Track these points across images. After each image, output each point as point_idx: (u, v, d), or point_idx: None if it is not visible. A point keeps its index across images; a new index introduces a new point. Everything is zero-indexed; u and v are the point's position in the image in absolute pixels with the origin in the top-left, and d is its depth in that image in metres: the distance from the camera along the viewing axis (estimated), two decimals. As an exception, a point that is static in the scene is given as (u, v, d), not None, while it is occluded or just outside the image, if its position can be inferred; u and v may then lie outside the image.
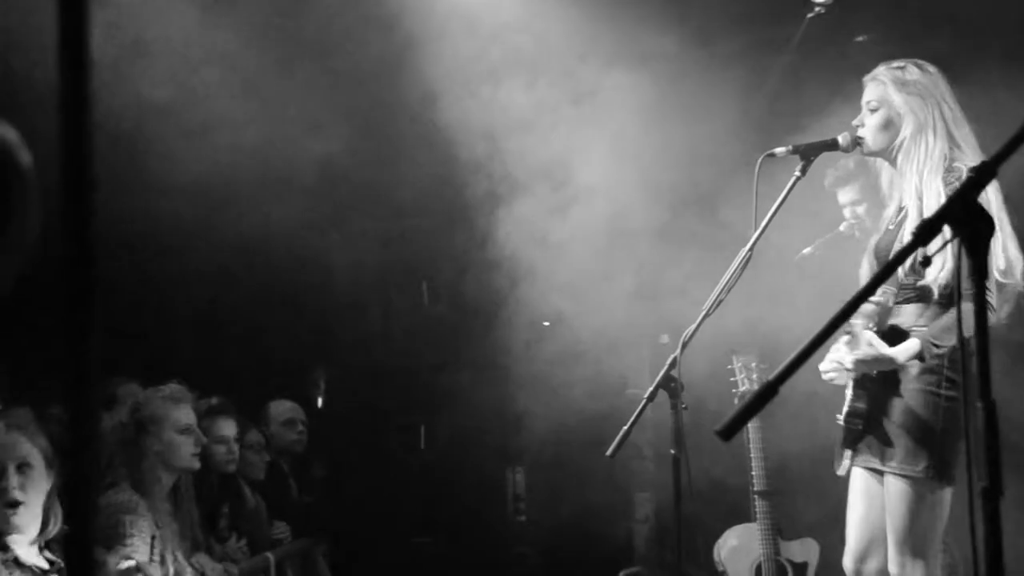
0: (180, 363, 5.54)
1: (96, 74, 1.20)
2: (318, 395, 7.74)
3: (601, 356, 6.08)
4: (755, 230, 3.84)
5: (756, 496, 5.27)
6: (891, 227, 3.96)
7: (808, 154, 3.93)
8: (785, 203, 3.88)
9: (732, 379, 5.31)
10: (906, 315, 3.85)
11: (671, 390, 3.76)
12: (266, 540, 5.59)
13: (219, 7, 5.37)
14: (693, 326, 3.79)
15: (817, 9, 6.30)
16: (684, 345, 3.78)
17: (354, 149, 6.07)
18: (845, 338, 3.86)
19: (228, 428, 5.35)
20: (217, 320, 6.66)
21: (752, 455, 5.25)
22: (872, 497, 3.97)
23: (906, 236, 3.89)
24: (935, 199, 3.73)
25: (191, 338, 6.56)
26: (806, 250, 5.34)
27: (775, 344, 4.75)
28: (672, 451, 3.76)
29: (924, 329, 3.77)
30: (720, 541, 5.48)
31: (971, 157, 3.76)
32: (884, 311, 3.91)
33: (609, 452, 3.82)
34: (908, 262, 3.62)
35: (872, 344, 3.79)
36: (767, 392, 1.92)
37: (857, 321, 3.81)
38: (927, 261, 2.06)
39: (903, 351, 3.77)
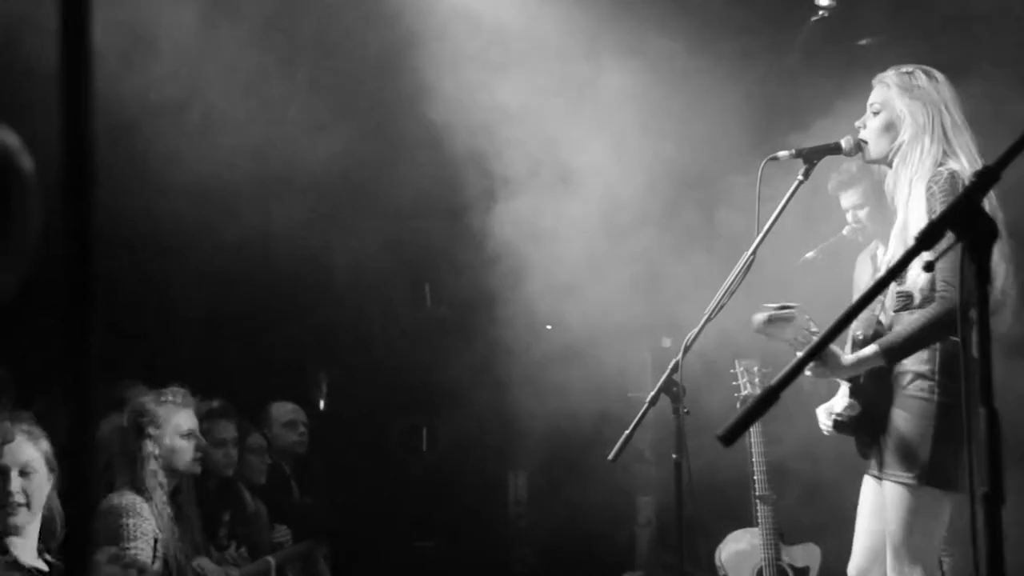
0: (181, 364, 5.54)
1: (97, 73, 1.20)
2: (320, 397, 7.73)
3: (603, 359, 6.08)
4: (758, 234, 3.83)
5: (758, 500, 5.26)
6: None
7: (811, 158, 3.93)
8: (787, 207, 3.87)
9: (734, 383, 5.30)
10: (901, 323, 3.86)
11: (673, 394, 3.76)
12: (267, 544, 5.58)
13: (221, 7, 5.37)
14: (695, 330, 3.79)
15: (821, 12, 6.30)
16: (686, 349, 3.77)
17: (355, 149, 6.06)
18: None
19: (228, 431, 5.35)
20: (218, 321, 6.66)
21: (754, 460, 5.24)
22: (876, 505, 3.97)
23: (893, 241, 3.90)
24: (918, 203, 3.73)
25: (192, 339, 6.56)
26: (809, 254, 5.32)
27: (777, 348, 4.74)
28: (673, 455, 3.76)
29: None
30: (722, 545, 5.47)
31: (965, 163, 3.76)
32: (869, 318, 3.92)
33: (611, 456, 3.82)
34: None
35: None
36: (768, 397, 1.92)
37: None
38: (930, 266, 2.05)
39: (854, 358, 3.79)
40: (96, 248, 1.14)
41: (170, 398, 4.58)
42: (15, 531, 3.65)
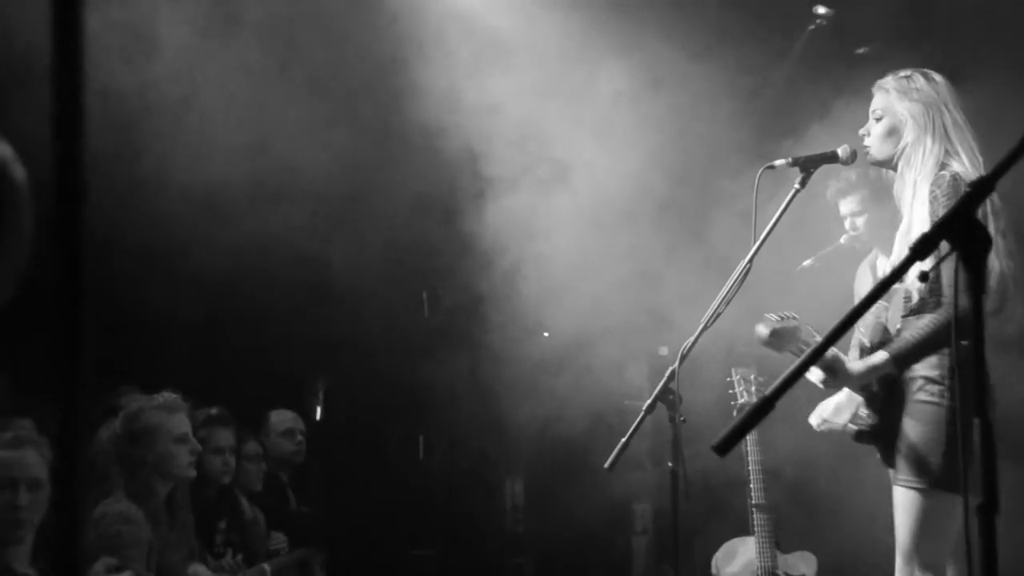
0: (178, 371, 5.53)
1: (92, 74, 1.19)
2: (317, 405, 7.72)
3: (600, 367, 6.08)
4: (754, 242, 3.84)
5: (754, 509, 5.26)
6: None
7: (808, 166, 3.94)
8: (783, 215, 3.88)
9: (731, 392, 5.30)
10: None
11: (669, 402, 3.76)
12: (263, 552, 5.58)
13: (219, 12, 5.37)
14: (692, 338, 3.79)
15: (819, 20, 6.32)
16: (683, 357, 3.78)
17: (353, 154, 6.06)
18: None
19: (226, 438, 5.34)
20: (215, 329, 6.65)
21: (750, 468, 5.24)
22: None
23: (897, 244, 3.91)
24: (922, 205, 3.74)
25: (189, 346, 6.55)
26: (806, 262, 5.34)
27: (775, 357, 4.74)
28: (670, 464, 3.76)
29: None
30: (718, 554, 5.46)
31: (968, 164, 3.77)
32: (876, 325, 3.92)
33: (607, 464, 3.82)
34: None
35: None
36: (763, 407, 1.92)
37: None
38: (925, 276, 2.05)
39: (863, 365, 3.79)
40: (88, 253, 1.14)
41: (162, 403, 4.58)
42: (16, 542, 3.66)
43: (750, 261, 3.82)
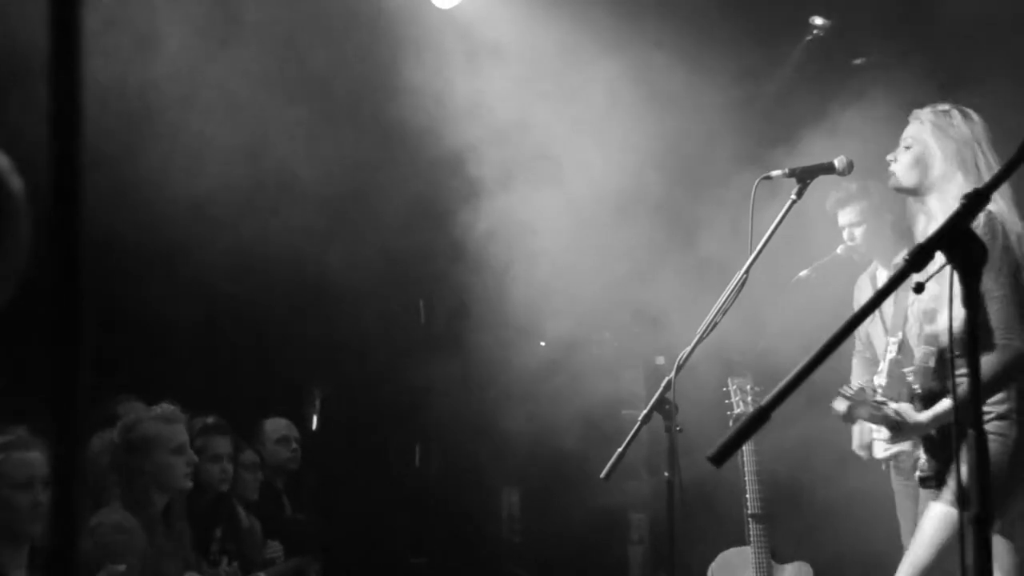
0: (175, 380, 5.53)
1: (89, 78, 1.20)
2: (313, 413, 7.72)
3: (597, 376, 6.08)
4: (751, 253, 3.84)
5: (750, 519, 5.26)
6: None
7: (804, 177, 3.94)
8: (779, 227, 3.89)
9: (727, 401, 5.30)
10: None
11: (665, 412, 3.76)
12: (259, 560, 5.57)
13: (215, 20, 5.38)
14: (688, 348, 3.79)
15: (816, 31, 6.33)
16: (679, 367, 3.78)
17: (351, 160, 6.07)
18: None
19: (223, 446, 5.34)
20: (211, 337, 6.65)
21: (747, 478, 5.24)
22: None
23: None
24: None
25: (186, 355, 6.55)
26: (803, 272, 5.35)
27: (771, 367, 4.75)
28: (666, 473, 3.76)
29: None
30: (714, 564, 5.46)
31: (1002, 204, 3.79)
32: (925, 371, 3.95)
33: (603, 474, 3.82)
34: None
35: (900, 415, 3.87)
36: (759, 417, 1.92)
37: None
38: (920, 287, 2.06)
39: (931, 415, 3.84)
40: (84, 255, 1.14)
41: (160, 414, 4.58)
42: (32, 541, 3.69)
43: (746, 272, 3.82)
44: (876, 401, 3.96)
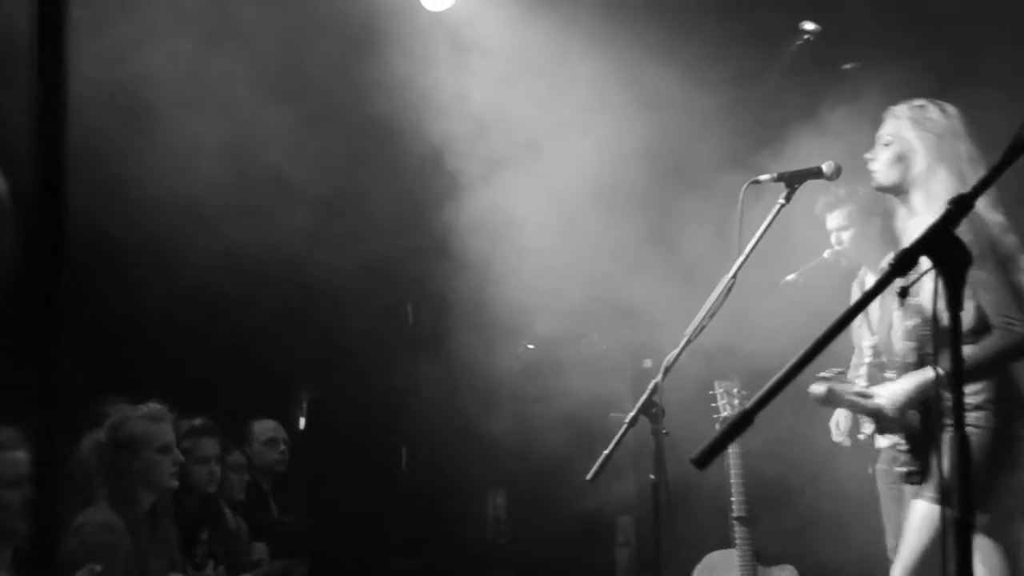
0: (162, 382, 5.52)
1: (72, 85, 1.20)
2: (300, 415, 7.71)
3: (584, 379, 6.08)
4: (739, 256, 3.85)
5: (736, 522, 5.26)
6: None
7: (792, 182, 3.94)
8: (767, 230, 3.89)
9: (713, 404, 5.31)
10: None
11: (652, 415, 3.76)
12: (246, 562, 5.56)
13: (201, 24, 5.37)
14: (675, 351, 3.80)
15: (806, 36, 6.35)
16: (666, 370, 3.77)
17: (342, 171, 6.07)
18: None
19: (211, 448, 5.33)
20: (200, 338, 6.64)
21: (732, 480, 5.24)
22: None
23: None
24: None
25: (174, 356, 6.54)
26: (790, 276, 5.36)
27: (757, 370, 4.76)
28: (652, 476, 3.76)
29: None
30: (699, 567, 5.46)
31: (984, 199, 3.78)
32: (905, 366, 3.96)
33: (589, 476, 3.82)
34: None
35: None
36: (743, 421, 1.93)
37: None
38: (904, 292, 2.07)
39: (913, 383, 3.82)
40: (69, 257, 1.14)
41: (146, 413, 4.57)
42: (19, 540, 3.68)
43: (734, 276, 3.82)
44: (857, 392, 3.94)
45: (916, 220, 3.88)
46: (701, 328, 3.81)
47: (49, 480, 1.10)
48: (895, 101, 4.12)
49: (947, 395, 3.71)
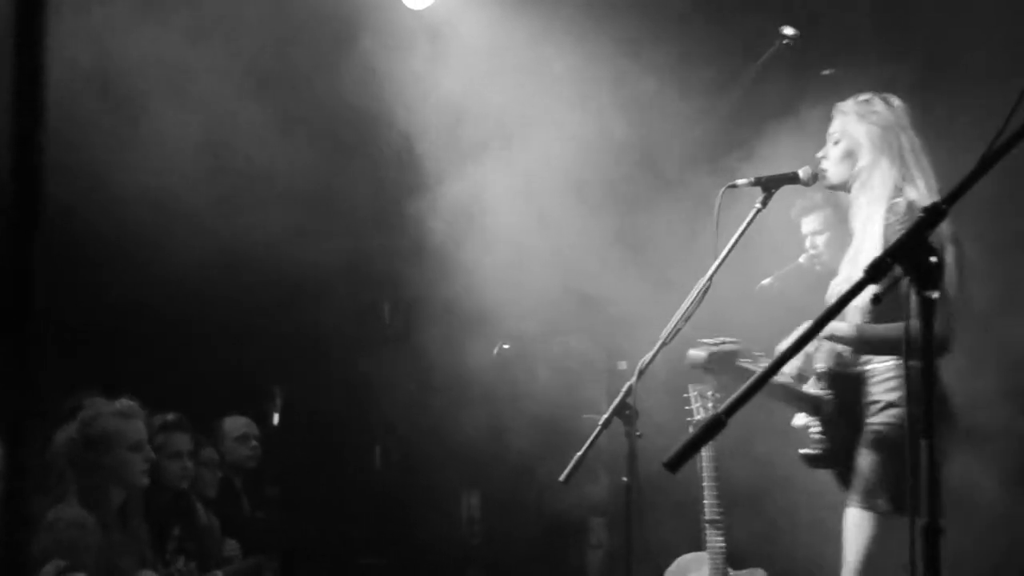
0: (136, 376, 5.49)
1: (52, 79, 1.19)
2: (274, 412, 7.68)
3: (558, 380, 6.09)
4: (715, 260, 3.85)
5: (707, 525, 5.27)
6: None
7: (769, 186, 3.96)
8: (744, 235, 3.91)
9: (687, 408, 5.31)
10: None
11: (625, 417, 3.77)
12: (218, 559, 5.54)
13: (185, 20, 5.36)
14: (650, 354, 3.80)
15: (785, 41, 6.36)
16: (640, 373, 3.78)
17: (318, 166, 6.05)
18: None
19: (183, 444, 5.32)
20: (173, 335, 6.60)
21: (704, 483, 5.25)
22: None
23: (845, 266, 3.93)
24: (877, 227, 3.76)
25: (147, 352, 6.50)
26: (765, 281, 5.36)
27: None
28: (624, 478, 3.77)
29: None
30: (671, 569, 5.47)
31: (923, 189, 3.79)
32: (830, 351, 3.96)
33: (563, 477, 3.82)
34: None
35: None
36: (715, 424, 1.94)
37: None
38: (877, 299, 2.08)
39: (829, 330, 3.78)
40: (44, 254, 1.13)
41: (118, 409, 4.55)
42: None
43: (710, 279, 3.83)
44: (748, 359, 3.92)
45: (859, 216, 3.89)
46: (676, 331, 3.82)
47: (23, 476, 1.10)
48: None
49: (869, 391, 3.79)
